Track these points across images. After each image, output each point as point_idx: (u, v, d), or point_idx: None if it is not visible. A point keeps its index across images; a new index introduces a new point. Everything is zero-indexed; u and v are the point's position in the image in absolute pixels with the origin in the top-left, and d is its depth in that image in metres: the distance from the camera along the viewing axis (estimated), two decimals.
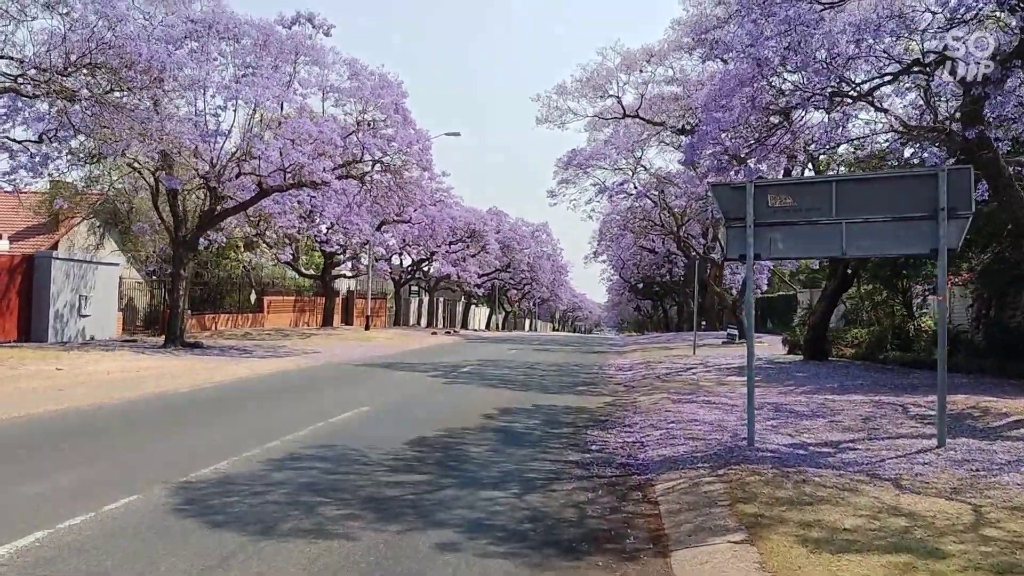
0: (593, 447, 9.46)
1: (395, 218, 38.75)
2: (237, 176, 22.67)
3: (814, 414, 11.79)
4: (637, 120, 37.95)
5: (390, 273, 50.81)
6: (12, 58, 15.40)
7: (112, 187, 32.89)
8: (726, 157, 14.24)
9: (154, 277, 33.57)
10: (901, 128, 12.80)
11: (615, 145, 41.33)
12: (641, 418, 11.80)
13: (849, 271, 21.99)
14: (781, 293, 56.19)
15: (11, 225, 30.77)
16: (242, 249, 37.18)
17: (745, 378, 18.13)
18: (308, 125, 21.88)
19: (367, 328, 38.41)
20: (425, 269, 55.78)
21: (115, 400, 12.05)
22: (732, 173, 13.81)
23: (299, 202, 29.61)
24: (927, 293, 22.81)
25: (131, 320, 32.40)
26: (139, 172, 24.09)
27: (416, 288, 63.15)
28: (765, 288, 50.96)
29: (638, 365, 23.47)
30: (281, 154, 22.11)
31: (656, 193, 40.65)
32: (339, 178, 25.70)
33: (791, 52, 10.80)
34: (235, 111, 21.52)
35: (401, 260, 52.27)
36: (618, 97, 23.63)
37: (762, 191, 9.22)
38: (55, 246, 29.56)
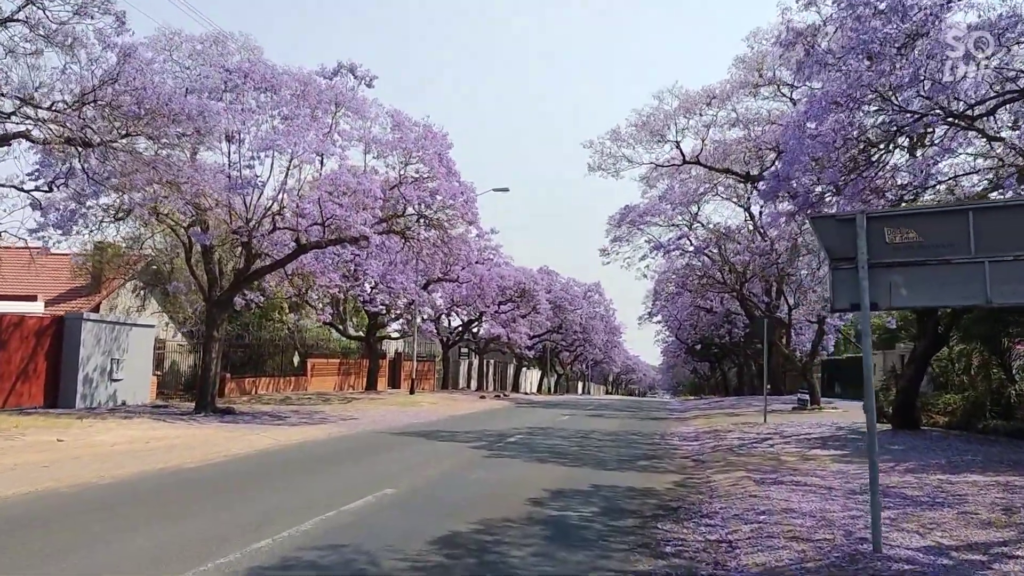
0: (667, 548, 7.49)
1: (441, 277, 37.37)
2: (272, 231, 21.43)
3: (935, 501, 9.61)
4: (696, 169, 36.37)
5: (438, 335, 49.32)
6: (22, 99, 14.35)
7: (154, 247, 32.29)
8: (814, 192, 12.19)
9: (195, 339, 32.54)
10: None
11: (670, 200, 39.55)
12: (722, 505, 9.76)
13: (941, 329, 19.65)
14: (849, 355, 53.10)
15: (52, 287, 30.08)
16: (286, 310, 36.10)
17: (832, 452, 15.91)
18: (347, 176, 20.63)
19: (412, 392, 36.74)
20: (474, 330, 54.16)
21: (104, 479, 10.44)
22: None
23: (341, 260, 28.42)
24: None
25: (173, 384, 31.25)
26: (172, 229, 23.05)
27: (465, 350, 61.52)
28: (831, 350, 48.06)
29: (704, 434, 21.26)
30: (320, 206, 20.85)
31: (714, 250, 38.66)
32: (380, 233, 24.38)
33: (901, 60, 9.00)
34: (272, 163, 19.93)
35: (449, 321, 50.77)
36: (677, 142, 21.98)
37: (877, 224, 7.35)
38: (96, 308, 28.72)
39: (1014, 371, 20.71)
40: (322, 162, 22.77)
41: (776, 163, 13.02)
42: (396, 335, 44.96)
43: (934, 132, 12.17)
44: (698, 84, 20.14)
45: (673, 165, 22.36)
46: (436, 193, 23.09)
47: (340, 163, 22.18)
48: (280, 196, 20.86)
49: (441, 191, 23.16)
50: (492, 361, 70.34)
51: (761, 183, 11.93)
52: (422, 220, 25.22)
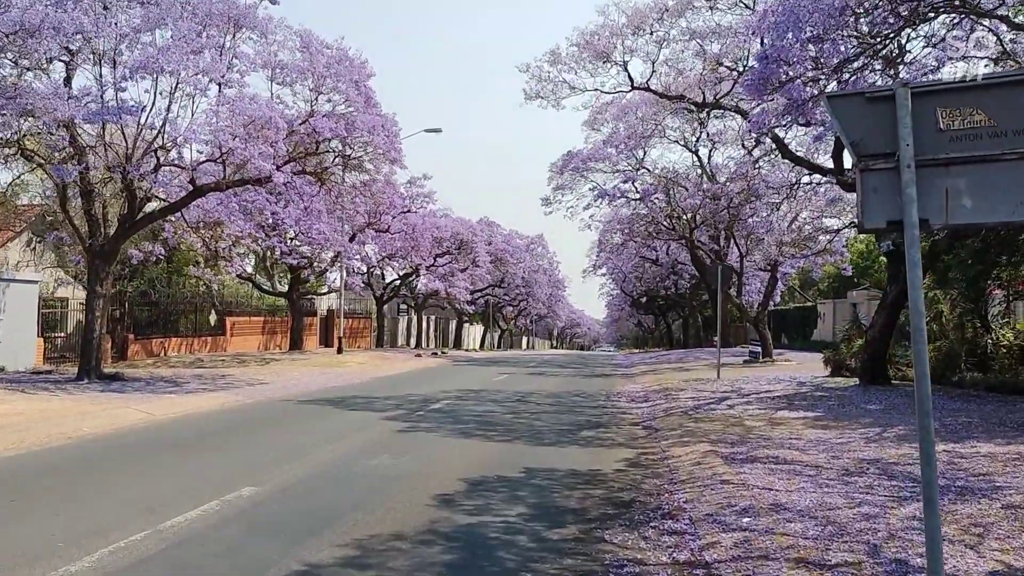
0: None
1: (369, 224, 34.51)
2: (156, 169, 18.38)
3: (959, 487, 7.45)
4: (643, 109, 33.93)
5: (371, 290, 46.49)
6: None
7: (43, 194, 28.77)
8: (813, 81, 9.60)
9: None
10: None
11: (615, 144, 37.28)
12: (687, 497, 7.47)
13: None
14: (796, 305, 51.91)
15: None
16: (201, 265, 32.85)
17: (803, 415, 13.84)
18: (244, 103, 17.61)
19: (340, 351, 34.01)
20: (412, 285, 51.41)
21: None
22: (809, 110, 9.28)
23: (254, 207, 25.39)
24: (1013, 298, 18.59)
25: (73, 347, 27.91)
26: (43, 168, 19.80)
27: (404, 306, 58.81)
28: (777, 301, 46.63)
29: (654, 393, 19.14)
30: (215, 139, 17.85)
31: (662, 196, 36.55)
32: (293, 174, 21.47)
33: None
34: (155, 89, 16.77)
35: (383, 275, 47.87)
36: (624, 64, 19.40)
37: (927, 102, 4.96)
38: None
39: (990, 319, 18.95)
40: (220, 89, 19.63)
41: (762, 47, 10.53)
42: (323, 291, 41.97)
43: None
44: None
45: (620, 92, 19.88)
46: (352, 126, 20.17)
47: (240, 91, 19.04)
48: (164, 127, 17.75)
49: (358, 123, 20.26)
50: (432, 317, 67.73)
51: (745, 76, 9.38)
52: (340, 160, 22.38)
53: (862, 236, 44.88)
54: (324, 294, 42.22)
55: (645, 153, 37.72)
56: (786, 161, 23.46)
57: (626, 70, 19.61)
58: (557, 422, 13.64)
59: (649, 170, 36.75)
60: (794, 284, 53.11)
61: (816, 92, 8.99)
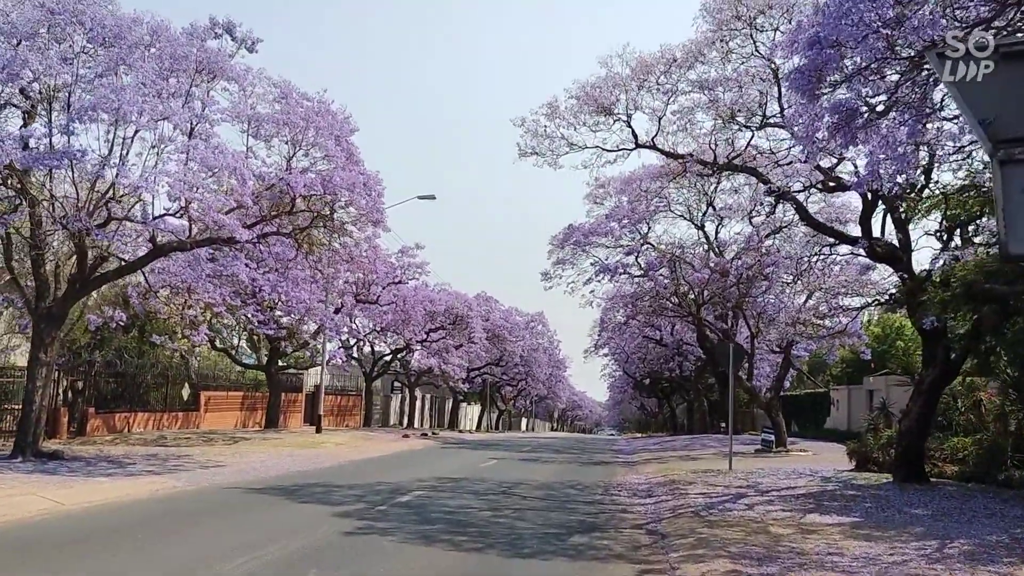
0: None
1: (357, 298, 32.64)
2: (107, 222, 16.57)
3: None
4: (647, 183, 32.48)
5: (360, 365, 44.35)
6: None
7: None
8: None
9: (65, 366, 27.18)
10: None
11: (618, 218, 35.75)
12: None
13: (953, 356, 15.66)
14: (807, 391, 49.49)
15: None
16: (178, 334, 30.82)
17: (837, 519, 11.50)
18: (201, 151, 15.88)
19: (319, 431, 31.69)
20: (404, 361, 49.20)
21: None
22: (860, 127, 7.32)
23: (224, 272, 23.48)
24: None
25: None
26: None
27: (398, 384, 56.43)
28: (786, 386, 44.29)
29: (659, 487, 16.86)
30: (171, 190, 16.06)
31: (665, 272, 34.81)
32: (261, 236, 19.72)
33: None
34: (112, 136, 15.04)
35: (373, 349, 45.72)
36: (627, 119, 17.73)
37: None
38: None
39: None
40: (188, 138, 17.93)
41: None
42: (307, 366, 39.85)
43: None
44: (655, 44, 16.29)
45: (624, 150, 18.14)
46: (331, 182, 18.44)
47: (206, 141, 17.34)
48: (116, 177, 15.97)
49: (337, 180, 18.53)
50: (428, 396, 65.27)
51: (792, 70, 7.43)
52: (319, 220, 20.61)
53: (876, 319, 42.95)
54: (306, 368, 40.06)
55: (649, 228, 36.18)
56: (805, 230, 21.73)
57: (630, 125, 18.03)
58: (544, 522, 11.40)
59: (653, 245, 35.13)
60: (803, 369, 50.82)
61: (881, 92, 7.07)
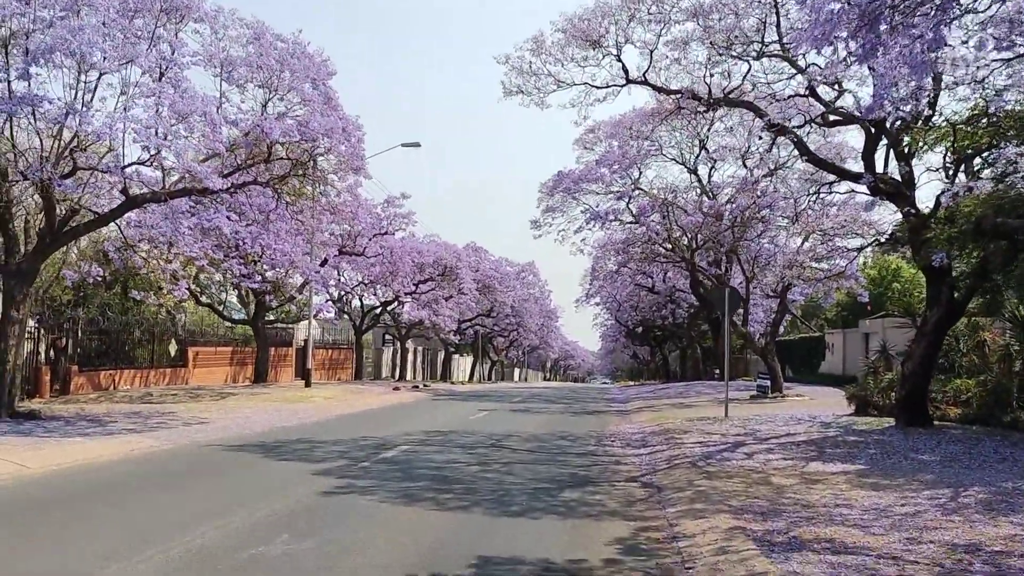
0: None
1: (343, 251, 31.91)
2: (72, 172, 15.75)
3: None
4: (638, 123, 31.68)
5: (348, 318, 43.73)
6: None
7: None
8: None
9: (45, 323, 26.46)
10: None
11: (608, 163, 34.94)
12: None
13: (957, 295, 15.10)
14: (801, 335, 49.20)
15: None
16: (164, 291, 30.04)
17: (841, 467, 10.95)
18: (169, 94, 14.98)
19: (308, 384, 31.18)
20: (395, 313, 48.60)
21: None
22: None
23: (207, 224, 22.69)
24: None
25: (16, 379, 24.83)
26: None
27: (389, 336, 55.92)
28: (781, 331, 43.92)
29: (653, 435, 16.42)
30: (137, 137, 15.20)
31: (657, 217, 34.16)
32: (238, 186, 18.94)
33: None
34: (79, 81, 14.15)
35: (362, 302, 45.05)
36: (617, 53, 16.78)
37: None
38: None
39: None
40: (156, 81, 16.95)
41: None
42: (289, 319, 39.24)
43: None
44: None
45: (614, 86, 17.22)
46: (307, 126, 17.57)
47: (174, 85, 16.40)
48: (79, 125, 15.07)
49: (314, 125, 17.67)
50: (420, 348, 64.84)
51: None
52: (297, 168, 19.77)
53: (871, 261, 42.41)
54: (295, 322, 39.46)
55: (641, 173, 35.41)
56: (802, 169, 21.01)
57: (620, 60, 17.07)
58: (534, 476, 10.90)
59: (644, 191, 34.39)
60: (797, 314, 50.48)
61: None
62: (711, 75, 16.73)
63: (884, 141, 15.70)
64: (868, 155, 15.43)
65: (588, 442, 15.63)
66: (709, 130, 34.54)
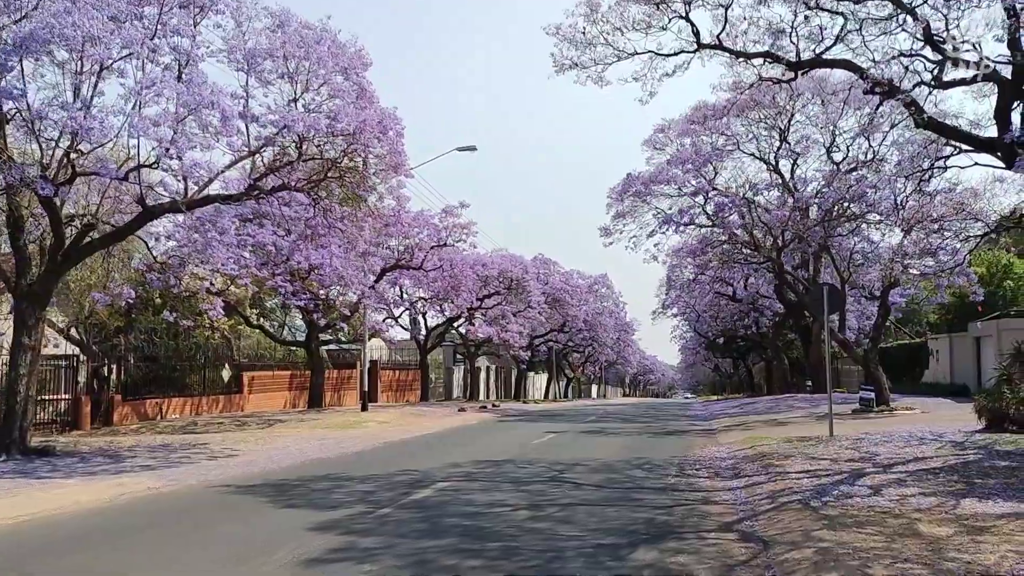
0: None
1: (398, 264, 30.03)
2: (71, 179, 14.08)
3: None
4: (715, 106, 29.14)
5: (412, 337, 41.87)
6: None
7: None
8: None
9: (92, 347, 25.29)
10: None
11: (681, 163, 32.30)
12: None
13: None
14: (899, 342, 45.17)
15: None
16: (220, 317, 28.59)
17: (1006, 506, 7.94)
18: (172, 84, 13.14)
19: (364, 408, 29.22)
20: (461, 331, 46.58)
21: None
22: None
23: (256, 242, 20.95)
24: None
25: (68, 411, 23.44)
26: None
27: (460, 355, 53.89)
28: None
29: (747, 460, 13.75)
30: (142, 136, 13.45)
31: (735, 216, 31.39)
32: (265, 192, 17.07)
33: None
34: (73, 67, 12.37)
35: (425, 319, 43.07)
36: (686, 14, 14.21)
37: None
38: None
39: None
40: (179, 76, 15.11)
41: None
42: (344, 340, 37.51)
43: None
44: None
45: (684, 52, 14.63)
46: (336, 119, 15.55)
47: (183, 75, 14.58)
48: (79, 123, 13.38)
49: (343, 118, 15.64)
50: (493, 367, 62.76)
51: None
52: (332, 169, 17.82)
53: (981, 256, 38.39)
54: (347, 344, 37.72)
55: (716, 172, 32.62)
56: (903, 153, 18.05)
57: (688, 20, 14.53)
58: (599, 525, 8.44)
59: (720, 191, 31.62)
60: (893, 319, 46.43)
61: None
62: (797, 37, 14.07)
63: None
64: (1003, 114, 12.53)
65: (669, 471, 13.05)
66: (790, 121, 31.64)
